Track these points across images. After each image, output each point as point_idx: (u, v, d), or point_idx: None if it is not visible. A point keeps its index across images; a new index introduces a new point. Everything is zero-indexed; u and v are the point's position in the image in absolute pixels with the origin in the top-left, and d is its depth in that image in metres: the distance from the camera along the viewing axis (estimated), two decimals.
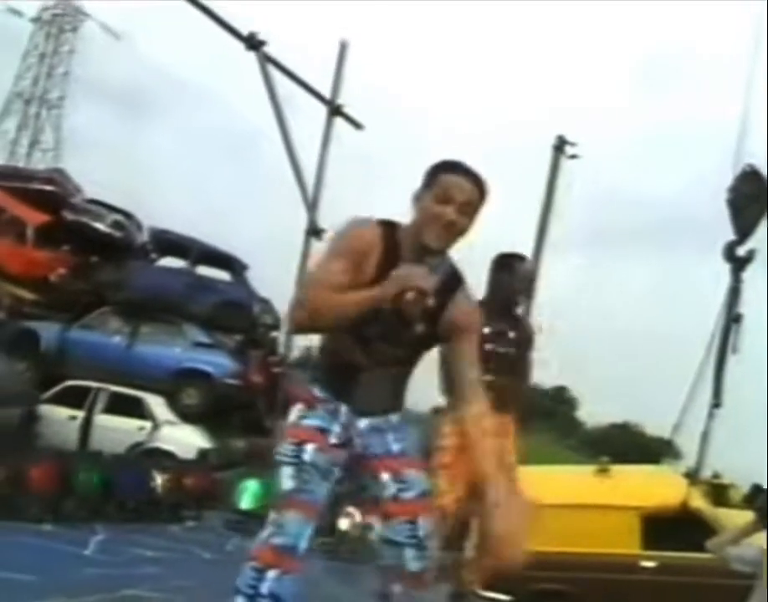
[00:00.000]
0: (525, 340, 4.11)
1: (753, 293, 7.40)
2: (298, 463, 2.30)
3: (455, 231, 2.25)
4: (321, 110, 7.78)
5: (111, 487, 5.24)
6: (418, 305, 2.18)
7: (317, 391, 2.38)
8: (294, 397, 2.43)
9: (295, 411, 2.39)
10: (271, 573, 2.22)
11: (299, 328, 2.31)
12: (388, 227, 2.31)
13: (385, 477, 2.36)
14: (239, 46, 7.73)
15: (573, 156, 7.40)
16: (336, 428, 2.34)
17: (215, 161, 48.75)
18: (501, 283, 3.93)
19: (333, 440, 2.33)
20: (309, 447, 2.31)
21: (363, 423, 2.37)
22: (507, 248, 4.13)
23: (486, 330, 3.88)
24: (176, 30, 39.72)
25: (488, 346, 3.89)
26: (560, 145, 7.35)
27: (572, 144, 7.40)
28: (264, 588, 2.21)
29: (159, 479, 5.53)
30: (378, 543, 2.35)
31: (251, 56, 7.64)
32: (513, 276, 3.95)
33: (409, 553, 2.32)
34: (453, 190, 2.24)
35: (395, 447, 2.39)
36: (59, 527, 4.73)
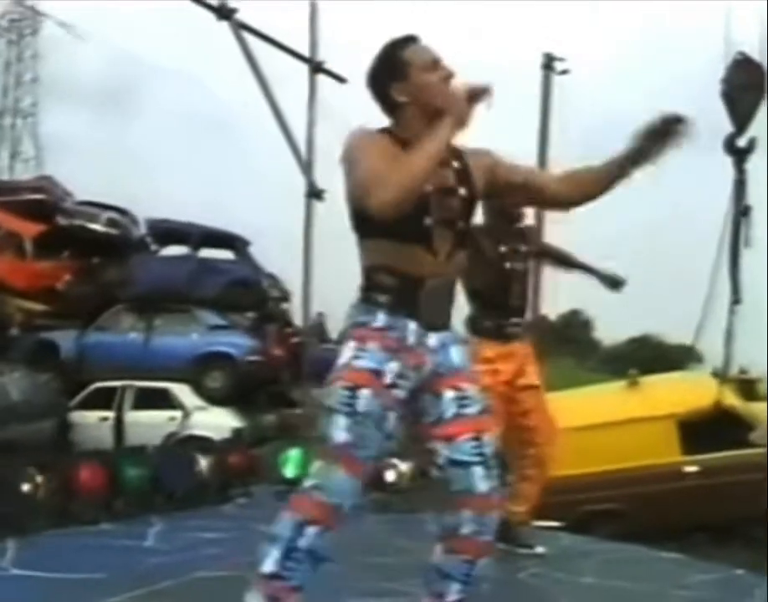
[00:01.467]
0: (531, 253, 4.11)
1: (758, 183, 7.33)
2: (351, 413, 2.12)
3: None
4: (300, 73, 7.68)
5: (159, 478, 5.28)
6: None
7: (378, 320, 2.20)
8: (346, 336, 2.25)
9: (347, 351, 2.20)
10: (311, 529, 2.12)
11: (385, 207, 2.07)
12: (386, 131, 2.29)
13: (448, 394, 2.23)
14: (206, 22, 7.58)
15: (563, 72, 7.25)
16: (393, 365, 2.16)
17: (201, 143, 48.15)
18: (496, 202, 3.91)
19: (388, 380, 2.16)
20: (364, 393, 2.13)
21: (433, 339, 2.23)
22: None
23: (502, 249, 3.86)
24: (139, 15, 39.13)
25: (507, 265, 3.87)
26: (549, 63, 7.20)
27: (561, 59, 7.25)
28: (303, 542, 2.12)
29: (203, 463, 5.57)
30: (444, 468, 2.21)
31: (219, 30, 7.50)
32: None
33: (477, 472, 2.20)
34: (431, 54, 2.26)
35: (456, 361, 2.27)
36: (116, 524, 4.79)
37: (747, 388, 9.89)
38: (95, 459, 5.14)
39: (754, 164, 7.20)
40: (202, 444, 7.49)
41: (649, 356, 26.18)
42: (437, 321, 2.25)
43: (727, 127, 6.63)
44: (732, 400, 8.30)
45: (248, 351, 11.51)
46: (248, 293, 12.60)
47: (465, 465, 2.20)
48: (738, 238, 7.34)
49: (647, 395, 8.74)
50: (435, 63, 2.24)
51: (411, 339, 2.21)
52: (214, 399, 11.12)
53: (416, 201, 2.14)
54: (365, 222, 2.20)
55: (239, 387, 11.37)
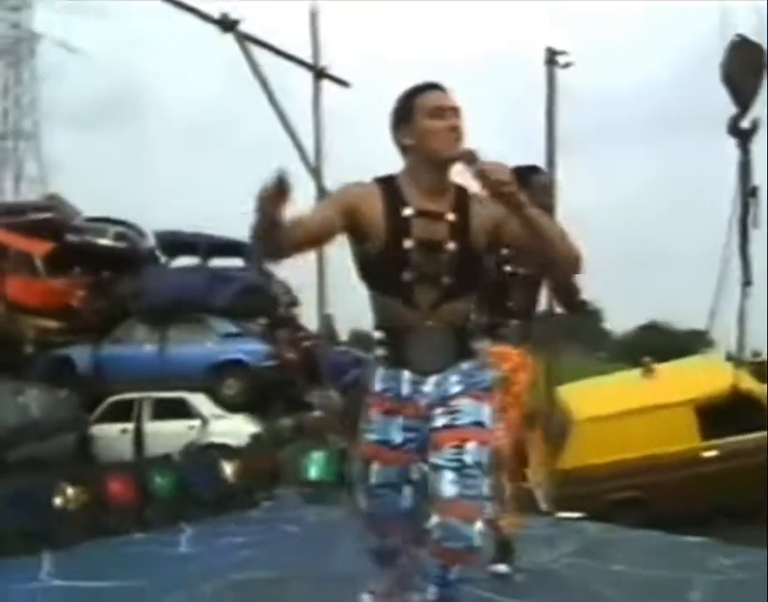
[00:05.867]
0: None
1: (761, 164, 7.32)
2: (366, 487, 2.35)
3: (459, 134, 2.30)
4: (303, 81, 7.73)
5: (186, 485, 5.35)
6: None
7: (377, 381, 2.34)
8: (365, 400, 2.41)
9: (363, 420, 2.37)
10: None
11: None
12: (383, 178, 2.34)
13: (437, 411, 2.25)
14: (198, 37, 7.67)
15: (567, 65, 7.23)
16: (396, 430, 2.29)
17: (203, 154, 48.08)
18: None
19: (397, 440, 2.30)
20: (375, 468, 2.32)
21: (429, 384, 2.28)
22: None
23: (503, 252, 3.59)
24: (137, 30, 39.24)
25: (507, 268, 3.72)
26: (552, 58, 7.18)
27: (563, 53, 7.23)
28: None
29: (228, 468, 5.64)
30: (427, 473, 2.23)
31: (211, 43, 7.56)
32: (531, 189, 3.80)
33: (447, 476, 2.17)
34: (438, 102, 2.30)
35: (454, 389, 2.27)
36: (148, 533, 4.86)
37: (761, 371, 9.90)
38: (124, 470, 5.21)
39: (758, 145, 7.22)
40: (227, 450, 7.55)
41: (660, 343, 26.14)
42: (430, 368, 2.28)
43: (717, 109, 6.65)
44: (748, 383, 8.32)
45: (262, 357, 11.54)
46: (260, 299, 12.64)
47: (439, 468, 2.19)
48: (746, 219, 7.37)
49: (664, 381, 8.75)
50: (439, 111, 2.28)
51: (405, 390, 2.28)
52: (231, 406, 11.16)
53: (396, 256, 2.22)
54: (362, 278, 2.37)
55: (255, 393, 11.41)
